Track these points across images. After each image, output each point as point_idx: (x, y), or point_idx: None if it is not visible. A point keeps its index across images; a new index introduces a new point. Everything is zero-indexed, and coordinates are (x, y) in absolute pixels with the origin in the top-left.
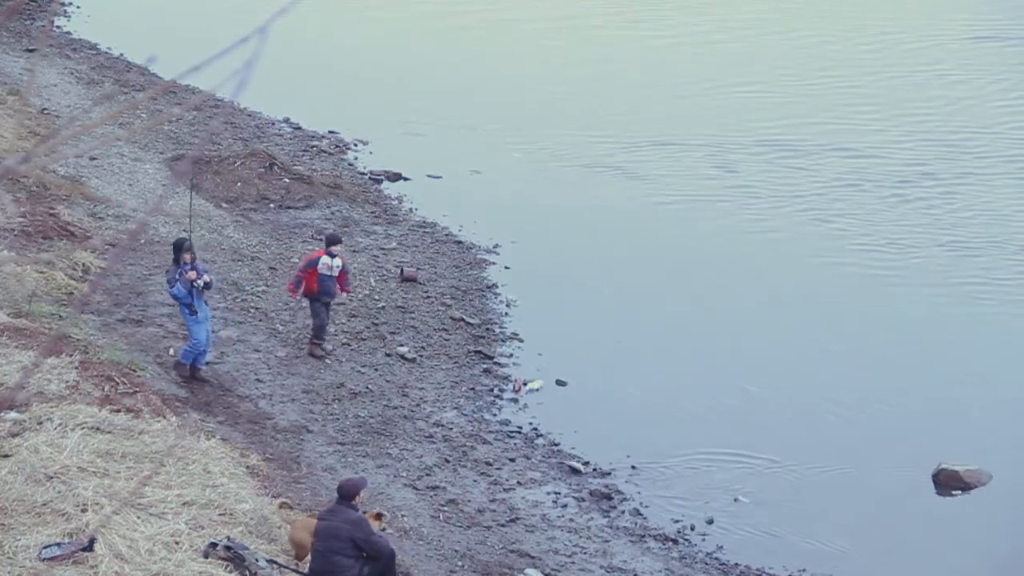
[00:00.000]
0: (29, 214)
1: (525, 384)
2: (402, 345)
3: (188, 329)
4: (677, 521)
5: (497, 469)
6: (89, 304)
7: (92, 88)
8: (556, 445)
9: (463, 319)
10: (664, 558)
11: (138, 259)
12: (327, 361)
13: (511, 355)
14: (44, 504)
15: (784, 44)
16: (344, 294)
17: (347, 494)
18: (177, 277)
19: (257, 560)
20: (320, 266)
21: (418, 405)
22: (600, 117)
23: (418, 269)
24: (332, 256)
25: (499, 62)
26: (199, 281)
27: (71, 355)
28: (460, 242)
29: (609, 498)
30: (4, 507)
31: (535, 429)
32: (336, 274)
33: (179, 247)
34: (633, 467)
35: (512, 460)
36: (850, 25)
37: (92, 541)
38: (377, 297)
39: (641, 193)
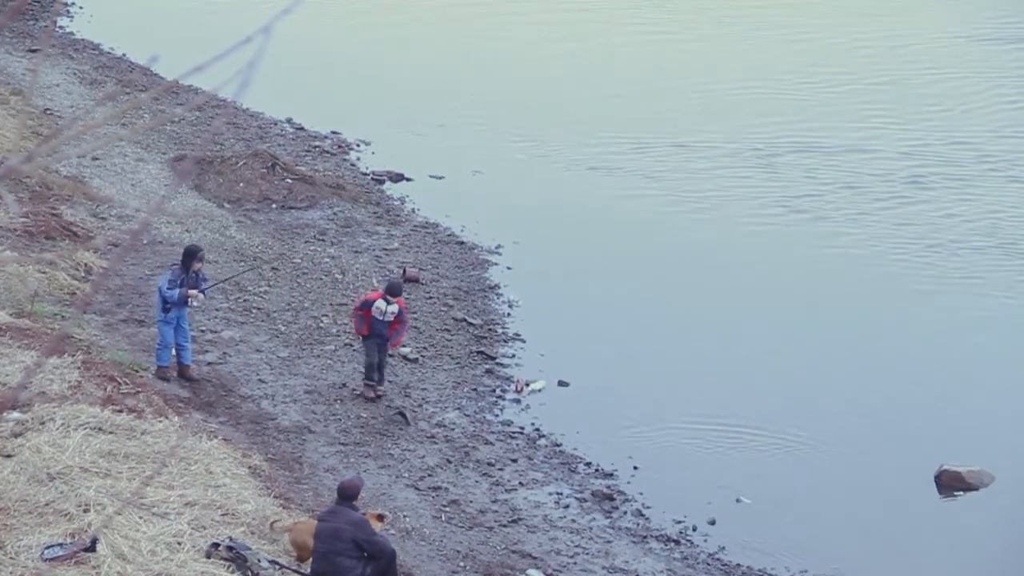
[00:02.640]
0: (32, 214)
1: (527, 385)
2: (404, 346)
3: (157, 326)
4: (679, 522)
5: (499, 470)
6: (91, 304)
7: (95, 88)
8: (558, 446)
9: (465, 320)
10: (666, 559)
11: (140, 259)
12: (329, 361)
13: (513, 356)
14: (46, 504)
15: (787, 45)
16: (393, 346)
17: (349, 495)
18: (178, 284)
19: (259, 560)
20: (374, 309)
21: (420, 406)
22: (603, 117)
23: (420, 270)
24: (388, 303)
25: (503, 62)
26: (194, 301)
27: (73, 355)
28: (462, 243)
29: (611, 499)
30: (6, 507)
31: (537, 430)
32: (390, 320)
33: (192, 255)
34: (635, 468)
35: (514, 461)
36: (853, 26)
37: (94, 541)
38: None
39: (644, 194)
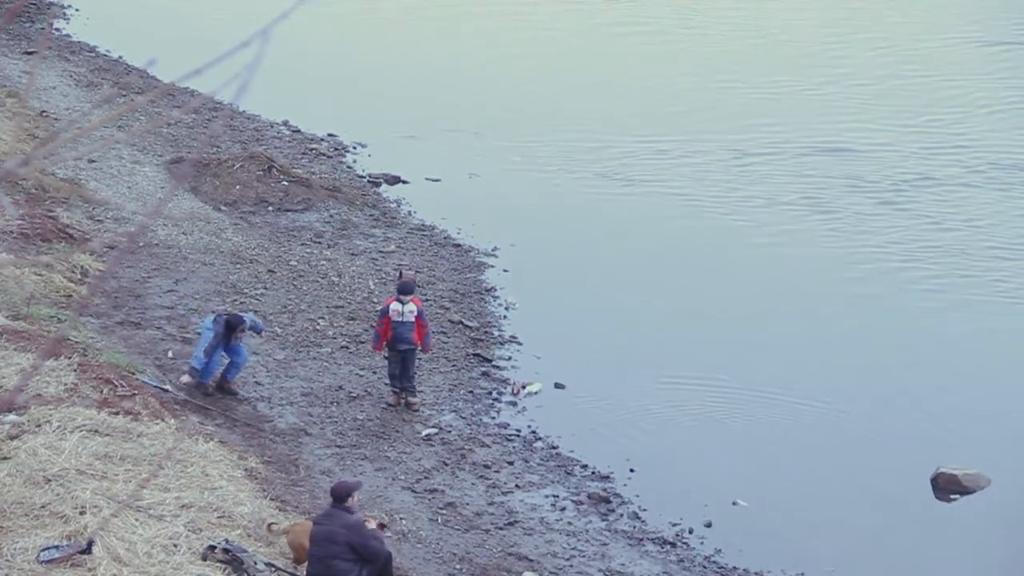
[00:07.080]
0: (28, 216)
1: (524, 387)
2: None
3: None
4: (675, 524)
5: (495, 472)
6: (88, 307)
7: (91, 90)
8: (554, 448)
9: (462, 322)
10: (662, 561)
11: (137, 261)
12: (325, 363)
13: (510, 358)
14: (43, 506)
15: (787, 48)
16: (423, 351)
17: (341, 496)
18: (211, 355)
19: (256, 563)
20: (391, 313)
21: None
22: (600, 121)
23: (417, 272)
24: (402, 303)
25: (499, 64)
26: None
27: (70, 357)
28: (459, 245)
29: (607, 501)
30: (3, 510)
31: (533, 432)
32: (410, 320)
33: (233, 328)
34: (631, 470)
35: (510, 463)
36: (854, 30)
37: (91, 543)
38: (376, 300)
39: (640, 196)
